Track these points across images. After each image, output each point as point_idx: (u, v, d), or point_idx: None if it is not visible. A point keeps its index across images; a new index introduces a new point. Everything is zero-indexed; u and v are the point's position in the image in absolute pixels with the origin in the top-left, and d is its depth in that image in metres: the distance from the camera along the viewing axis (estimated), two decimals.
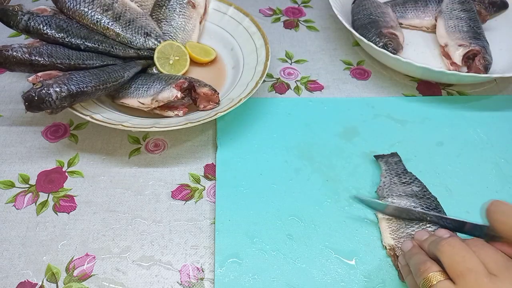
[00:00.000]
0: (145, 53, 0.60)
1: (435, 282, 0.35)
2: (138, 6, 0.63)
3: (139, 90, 0.55)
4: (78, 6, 0.57)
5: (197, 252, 0.46)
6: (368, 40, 0.63)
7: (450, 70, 0.63)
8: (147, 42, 0.60)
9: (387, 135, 0.57)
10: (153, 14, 0.64)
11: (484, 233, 0.40)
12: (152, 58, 0.60)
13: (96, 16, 0.58)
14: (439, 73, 0.61)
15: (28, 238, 0.47)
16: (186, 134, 0.57)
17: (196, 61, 0.64)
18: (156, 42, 0.61)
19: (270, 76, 0.66)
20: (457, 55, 0.64)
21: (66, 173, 0.52)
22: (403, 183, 0.50)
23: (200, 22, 0.66)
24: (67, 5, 0.57)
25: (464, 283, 0.33)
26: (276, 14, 0.78)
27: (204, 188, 0.52)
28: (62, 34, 0.55)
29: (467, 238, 0.39)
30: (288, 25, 0.75)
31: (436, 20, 0.71)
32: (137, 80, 0.57)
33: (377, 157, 0.54)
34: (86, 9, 0.58)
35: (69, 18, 0.58)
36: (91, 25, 0.58)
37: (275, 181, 0.52)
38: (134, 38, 0.60)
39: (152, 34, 0.61)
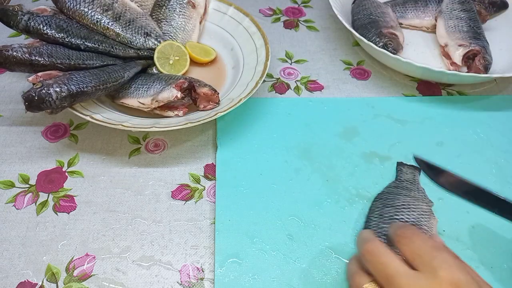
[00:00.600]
0: (145, 53, 0.60)
1: None
2: (138, 6, 0.63)
3: (139, 90, 0.55)
4: (78, 6, 0.57)
5: (197, 252, 0.46)
6: (368, 40, 0.63)
7: (450, 70, 0.63)
8: (147, 42, 0.60)
9: (387, 135, 0.57)
10: (153, 14, 0.64)
11: None
12: (152, 58, 0.60)
13: (96, 16, 0.58)
14: (439, 73, 0.61)
15: (28, 238, 0.47)
16: (186, 134, 0.57)
17: (196, 61, 0.64)
18: (156, 42, 0.61)
19: (270, 76, 0.66)
20: (457, 55, 0.64)
21: (66, 173, 0.52)
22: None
23: (200, 22, 0.66)
24: (67, 5, 0.57)
25: None
26: (276, 14, 0.78)
27: (204, 188, 0.52)
28: (62, 34, 0.55)
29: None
30: (288, 25, 0.75)
31: (436, 20, 0.71)
32: (137, 80, 0.57)
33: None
34: (86, 9, 0.58)
35: (69, 18, 0.58)
36: (91, 25, 0.58)
37: (275, 181, 0.52)
38: (134, 38, 0.60)
39: (152, 34, 0.61)
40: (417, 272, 0.34)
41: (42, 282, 0.43)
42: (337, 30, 0.75)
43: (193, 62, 0.64)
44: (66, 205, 0.49)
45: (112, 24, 0.59)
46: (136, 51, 0.60)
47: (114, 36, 0.59)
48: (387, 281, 0.34)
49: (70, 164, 0.53)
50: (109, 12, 0.59)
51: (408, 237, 0.36)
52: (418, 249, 0.35)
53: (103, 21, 0.58)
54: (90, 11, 0.58)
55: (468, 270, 0.34)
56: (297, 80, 0.65)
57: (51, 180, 0.52)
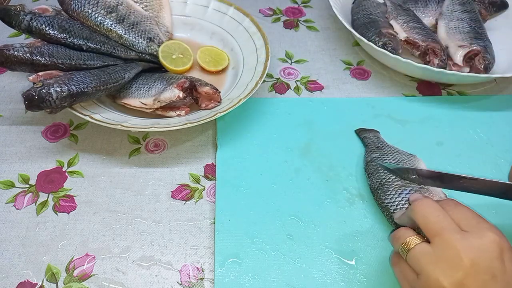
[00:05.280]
0: (147, 57, 0.60)
1: (412, 246, 0.36)
2: (143, 8, 0.63)
3: (140, 90, 0.55)
4: (82, 7, 0.57)
5: (197, 252, 0.46)
6: (368, 40, 0.63)
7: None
8: (149, 47, 0.60)
9: (387, 135, 0.57)
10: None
11: None
12: (153, 62, 0.60)
13: (100, 17, 0.58)
14: (439, 73, 0.61)
15: (28, 238, 0.47)
16: (186, 134, 0.57)
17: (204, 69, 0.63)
18: (158, 49, 0.60)
19: (270, 76, 0.66)
20: (458, 56, 0.64)
21: (66, 173, 0.52)
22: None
23: None
24: (71, 7, 0.57)
25: (440, 241, 0.35)
26: (276, 14, 0.78)
27: (204, 188, 0.52)
28: (64, 35, 0.55)
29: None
30: (288, 25, 0.75)
31: (436, 21, 0.71)
32: (138, 80, 0.57)
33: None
34: (90, 11, 0.58)
35: (73, 18, 0.58)
36: (94, 27, 0.58)
37: (275, 181, 0.52)
38: (137, 41, 0.59)
39: (155, 40, 0.60)
40: (465, 232, 0.35)
41: (42, 282, 0.43)
42: (337, 30, 0.75)
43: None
44: (66, 205, 0.49)
45: (115, 26, 0.58)
46: (137, 54, 0.60)
47: (117, 38, 0.59)
48: (435, 234, 0.35)
49: (70, 164, 0.53)
50: (113, 14, 0.59)
51: (451, 206, 0.38)
52: (464, 213, 0.37)
53: (106, 22, 0.58)
54: (94, 13, 0.58)
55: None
56: (297, 80, 0.65)
57: (51, 180, 0.52)
